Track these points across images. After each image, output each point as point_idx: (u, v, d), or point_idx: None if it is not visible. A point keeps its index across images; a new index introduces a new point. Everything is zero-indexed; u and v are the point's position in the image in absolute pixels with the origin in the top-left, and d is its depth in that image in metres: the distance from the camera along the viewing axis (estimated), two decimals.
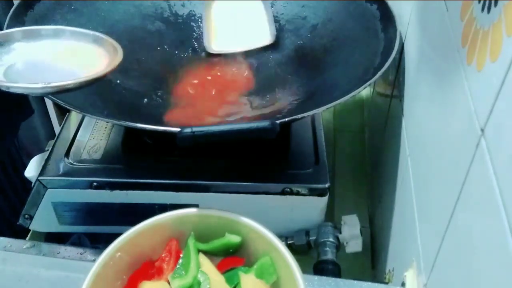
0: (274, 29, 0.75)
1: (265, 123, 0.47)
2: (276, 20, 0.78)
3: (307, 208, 0.64)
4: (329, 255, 0.62)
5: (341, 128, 0.98)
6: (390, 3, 0.67)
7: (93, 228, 0.68)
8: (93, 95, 0.63)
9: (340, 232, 0.64)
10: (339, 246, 0.63)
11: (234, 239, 0.48)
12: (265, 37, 0.74)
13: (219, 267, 0.47)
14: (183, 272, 0.46)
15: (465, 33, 0.41)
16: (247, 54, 0.75)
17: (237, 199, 0.63)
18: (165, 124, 0.58)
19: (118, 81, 0.68)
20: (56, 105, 0.93)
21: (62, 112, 0.81)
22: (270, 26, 0.75)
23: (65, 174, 0.64)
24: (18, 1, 0.66)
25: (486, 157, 0.34)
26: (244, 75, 0.72)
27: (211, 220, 0.48)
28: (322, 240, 0.63)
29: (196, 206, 0.53)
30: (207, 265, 0.47)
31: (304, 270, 0.44)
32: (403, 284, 0.53)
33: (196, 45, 0.77)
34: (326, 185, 0.62)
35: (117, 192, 0.63)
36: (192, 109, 0.67)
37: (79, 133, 0.70)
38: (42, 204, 0.64)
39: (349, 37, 0.70)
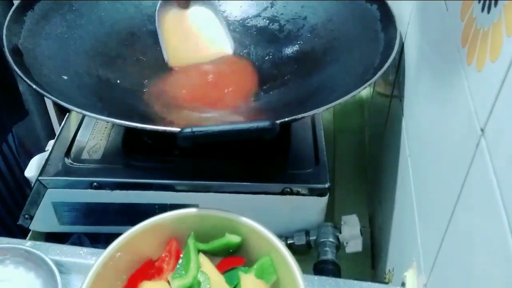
0: (231, 39, 0.74)
1: (265, 123, 0.47)
2: (276, 20, 0.78)
3: (307, 208, 0.64)
4: (329, 255, 0.62)
5: (341, 128, 0.98)
6: (390, 3, 0.67)
7: (93, 228, 0.68)
8: (93, 95, 0.63)
9: (340, 232, 0.64)
10: (339, 246, 0.63)
11: (234, 239, 0.48)
12: (225, 48, 0.73)
13: (219, 267, 0.47)
14: (183, 272, 0.46)
15: (465, 33, 0.41)
16: (247, 54, 0.75)
17: (237, 199, 0.63)
18: (164, 123, 0.58)
19: (118, 81, 0.68)
20: (56, 105, 0.93)
21: (62, 112, 0.81)
22: (228, 37, 0.74)
23: (65, 174, 0.64)
24: (18, 1, 0.66)
25: (486, 157, 0.34)
26: (245, 75, 0.72)
27: (211, 220, 0.49)
28: (322, 240, 0.63)
29: (196, 206, 0.53)
30: (207, 265, 0.47)
31: (304, 270, 0.44)
32: (403, 284, 0.53)
33: None
34: (326, 185, 0.62)
35: (117, 192, 0.63)
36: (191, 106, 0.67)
37: (79, 133, 0.70)
38: (42, 204, 0.64)
39: (349, 37, 0.70)
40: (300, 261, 0.45)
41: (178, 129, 0.48)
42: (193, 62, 0.72)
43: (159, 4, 0.72)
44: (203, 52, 0.73)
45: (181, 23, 0.74)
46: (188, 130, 0.47)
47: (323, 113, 0.74)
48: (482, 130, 0.35)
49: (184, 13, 0.74)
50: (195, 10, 0.74)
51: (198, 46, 0.74)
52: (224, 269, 0.47)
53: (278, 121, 0.49)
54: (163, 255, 0.48)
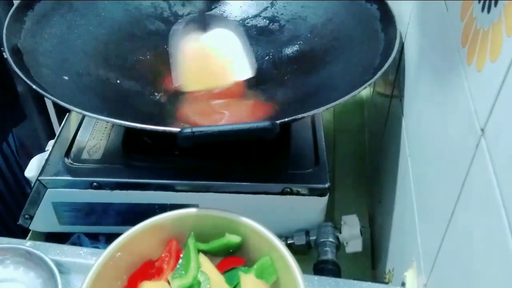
0: (253, 61, 0.70)
1: (265, 123, 0.47)
2: (276, 20, 0.78)
3: (307, 208, 0.64)
4: (329, 255, 0.62)
5: (341, 128, 0.98)
6: (390, 3, 0.67)
7: (93, 228, 0.68)
8: (93, 95, 0.63)
9: (340, 232, 0.64)
10: (339, 246, 0.63)
11: (234, 239, 0.48)
12: (245, 71, 0.69)
13: (219, 267, 0.47)
14: (183, 272, 0.46)
15: (465, 33, 0.41)
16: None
17: (237, 199, 0.63)
18: (166, 124, 0.58)
19: (118, 81, 0.68)
20: (56, 105, 0.94)
21: (62, 112, 0.81)
22: (249, 59, 0.70)
23: (65, 174, 0.64)
24: (18, 1, 0.66)
25: (486, 157, 0.34)
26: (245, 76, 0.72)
27: (211, 220, 0.49)
28: (322, 240, 0.63)
29: (196, 206, 0.53)
30: (207, 265, 0.47)
31: (304, 270, 0.44)
32: (403, 284, 0.53)
33: None
34: (326, 185, 0.62)
35: (117, 192, 0.63)
36: (194, 105, 0.66)
37: (79, 133, 0.70)
38: (42, 204, 0.64)
39: (349, 37, 0.70)
40: (300, 261, 0.45)
41: (178, 129, 0.48)
42: (207, 88, 0.68)
43: (174, 27, 0.70)
44: (219, 77, 0.69)
45: (198, 47, 0.70)
46: (188, 130, 0.47)
47: (323, 113, 0.74)
48: (482, 130, 0.35)
49: (201, 36, 0.70)
50: (214, 32, 0.71)
51: (214, 71, 0.69)
52: (224, 269, 0.47)
53: (278, 121, 0.49)
54: (163, 255, 0.48)
